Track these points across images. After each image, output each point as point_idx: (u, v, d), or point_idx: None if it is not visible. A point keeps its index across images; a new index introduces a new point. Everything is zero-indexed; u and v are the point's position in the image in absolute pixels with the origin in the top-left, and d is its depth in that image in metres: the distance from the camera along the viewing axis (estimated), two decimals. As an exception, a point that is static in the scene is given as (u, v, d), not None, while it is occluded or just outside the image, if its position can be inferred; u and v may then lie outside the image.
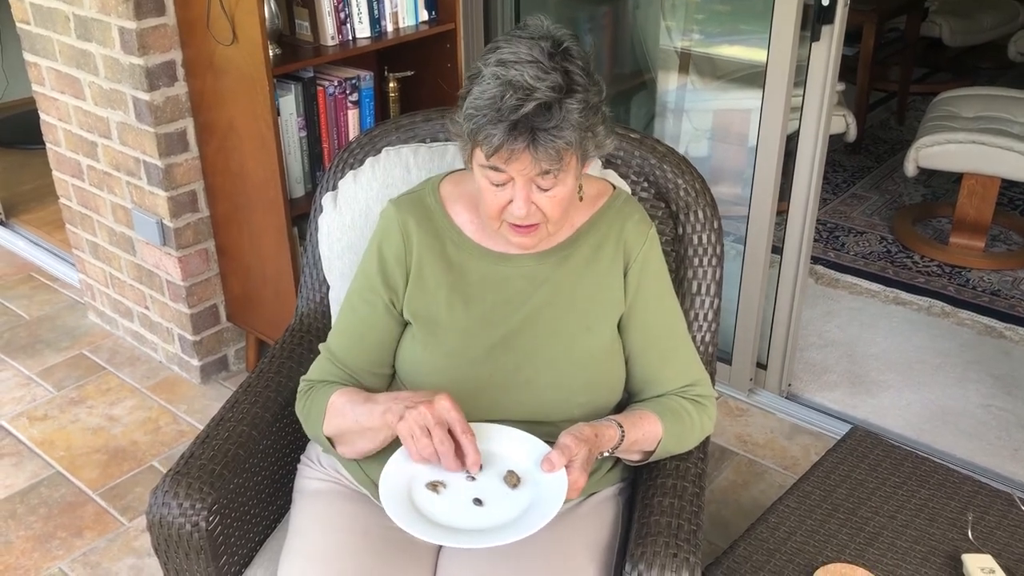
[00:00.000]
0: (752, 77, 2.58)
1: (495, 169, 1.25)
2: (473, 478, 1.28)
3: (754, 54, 2.54)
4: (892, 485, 1.66)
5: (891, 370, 2.74)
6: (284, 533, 1.46)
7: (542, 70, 1.20)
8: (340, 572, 1.29)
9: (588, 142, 1.26)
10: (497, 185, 1.27)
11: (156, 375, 2.80)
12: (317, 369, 1.45)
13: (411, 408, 1.24)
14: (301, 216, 2.41)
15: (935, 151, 3.28)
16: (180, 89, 2.40)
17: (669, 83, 3.07)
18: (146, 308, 2.80)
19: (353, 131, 2.50)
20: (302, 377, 1.47)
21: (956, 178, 3.46)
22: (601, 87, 1.27)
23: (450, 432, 1.24)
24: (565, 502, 1.23)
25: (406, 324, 1.43)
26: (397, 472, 1.28)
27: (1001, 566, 1.44)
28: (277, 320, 2.53)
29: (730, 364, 2.66)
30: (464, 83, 1.28)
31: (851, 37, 4.36)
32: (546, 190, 1.26)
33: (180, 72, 2.38)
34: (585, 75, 1.24)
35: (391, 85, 2.59)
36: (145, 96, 2.35)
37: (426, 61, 2.61)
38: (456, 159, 1.63)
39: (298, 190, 2.45)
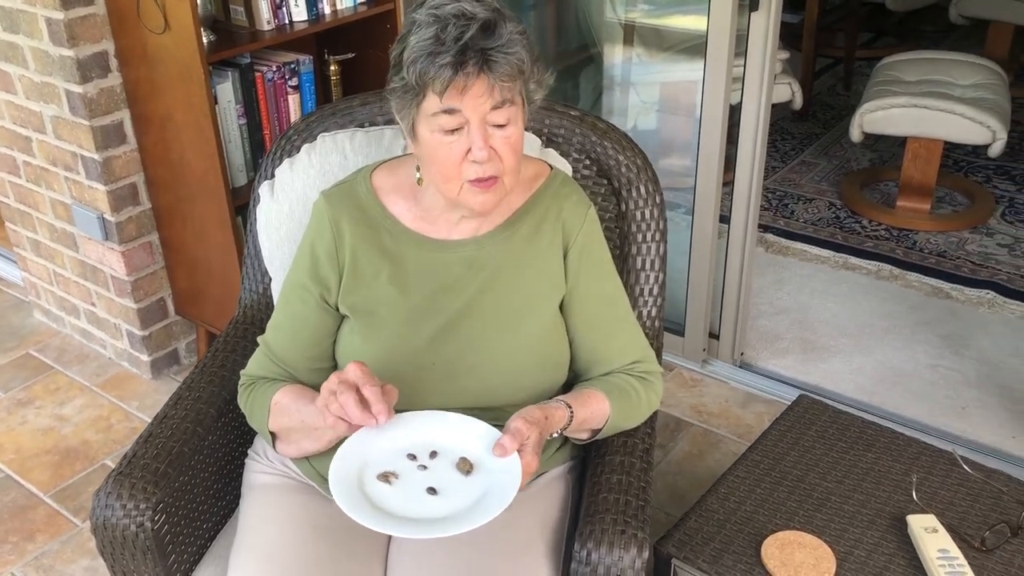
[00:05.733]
0: (697, 48, 2.58)
1: (448, 112, 1.21)
2: (424, 467, 1.27)
3: (697, 24, 2.53)
4: (839, 451, 1.68)
5: (842, 335, 2.78)
6: (234, 529, 1.45)
7: (473, 2, 1.20)
8: (291, 565, 1.28)
9: (531, 76, 1.24)
10: (450, 133, 1.23)
11: (106, 372, 2.75)
12: (255, 364, 1.44)
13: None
14: (245, 205, 2.37)
15: (879, 116, 3.31)
16: (114, 80, 2.34)
17: (615, 57, 3.05)
18: (92, 304, 2.74)
19: (295, 116, 2.46)
20: (241, 371, 1.45)
21: (901, 142, 3.49)
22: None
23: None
24: (517, 486, 1.23)
25: (343, 318, 1.41)
26: (347, 465, 1.25)
27: (944, 524, 1.47)
28: (225, 311, 2.50)
29: (683, 335, 2.68)
30: (395, 46, 1.25)
31: (796, 4, 4.40)
32: (502, 126, 1.23)
33: (113, 63, 2.32)
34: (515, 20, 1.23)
35: (332, 68, 2.56)
36: (78, 88, 2.29)
37: (366, 43, 2.57)
38: (393, 144, 1.61)
39: (240, 179, 2.42)
